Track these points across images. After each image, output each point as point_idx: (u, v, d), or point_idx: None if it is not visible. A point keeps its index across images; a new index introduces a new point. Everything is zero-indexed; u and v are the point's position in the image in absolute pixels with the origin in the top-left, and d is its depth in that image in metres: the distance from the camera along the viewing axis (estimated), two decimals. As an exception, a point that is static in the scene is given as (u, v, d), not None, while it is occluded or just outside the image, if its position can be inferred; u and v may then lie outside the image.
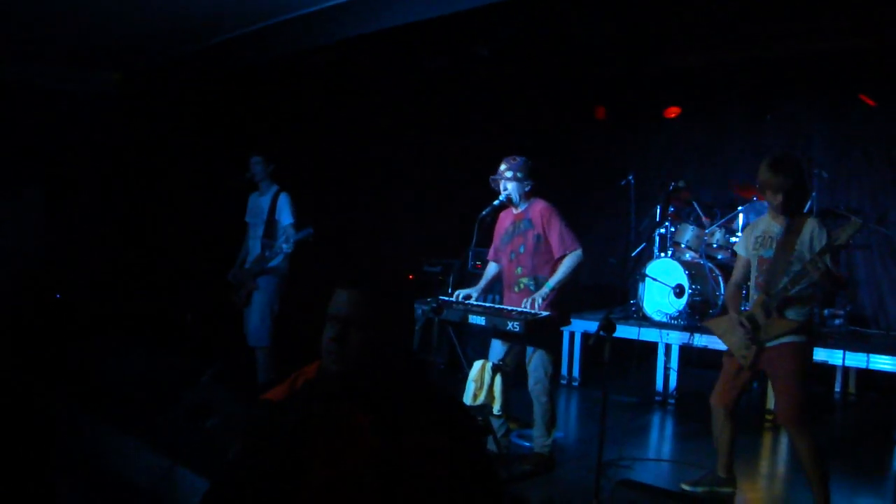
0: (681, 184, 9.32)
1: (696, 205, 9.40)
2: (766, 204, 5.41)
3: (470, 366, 5.98)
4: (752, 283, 5.36)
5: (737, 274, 5.52)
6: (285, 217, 7.52)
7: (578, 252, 5.80)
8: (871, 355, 7.47)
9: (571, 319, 6.45)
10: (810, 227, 5.06)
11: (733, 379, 5.34)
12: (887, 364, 7.40)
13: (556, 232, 5.79)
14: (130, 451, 5.73)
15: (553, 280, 5.73)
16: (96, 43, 8.39)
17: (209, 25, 7.94)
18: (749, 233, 5.47)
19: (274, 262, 7.44)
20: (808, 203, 8.64)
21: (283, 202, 7.56)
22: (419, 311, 5.80)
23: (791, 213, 5.16)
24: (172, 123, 9.51)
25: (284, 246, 7.17)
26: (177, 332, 8.73)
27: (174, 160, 9.60)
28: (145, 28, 7.89)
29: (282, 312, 7.61)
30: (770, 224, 5.28)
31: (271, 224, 7.55)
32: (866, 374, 8.23)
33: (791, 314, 5.05)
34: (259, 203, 7.72)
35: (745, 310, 5.36)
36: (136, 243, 9.55)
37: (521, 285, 5.89)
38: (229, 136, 9.24)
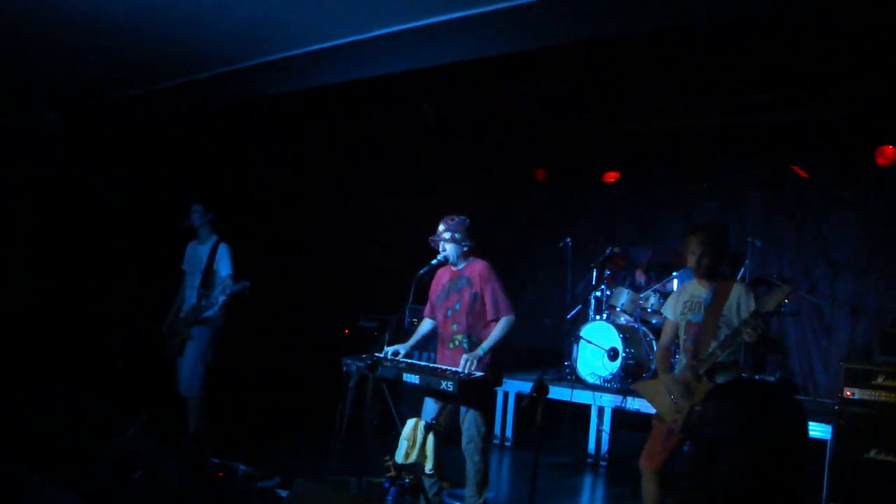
0: (616, 250, 9.43)
1: (632, 270, 9.52)
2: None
3: (403, 423, 5.94)
4: (680, 347, 5.43)
5: (665, 337, 5.61)
6: (224, 268, 7.45)
7: (511, 317, 5.86)
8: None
9: (505, 380, 6.45)
10: (737, 292, 5.18)
11: (663, 441, 5.37)
12: (816, 431, 7.49)
13: (491, 295, 5.84)
14: (55, 502, 5.55)
15: (486, 343, 5.76)
16: (33, 80, 8.29)
17: (152, 72, 7.93)
18: (677, 297, 5.57)
19: (209, 313, 7.35)
20: (742, 270, 8.80)
21: (223, 252, 7.51)
22: (353, 367, 5.77)
23: (715, 278, 5.28)
24: (112, 166, 9.40)
25: (220, 297, 7.11)
26: (107, 378, 8.54)
27: (113, 203, 9.46)
28: (88, 70, 7.85)
29: (214, 363, 7.51)
30: (697, 289, 5.39)
31: (209, 274, 7.49)
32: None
33: (720, 378, 5.12)
34: (197, 252, 7.65)
35: (674, 373, 5.42)
36: (69, 286, 9.35)
37: (456, 342, 5.90)
38: (170, 182, 9.16)
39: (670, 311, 5.57)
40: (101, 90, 8.70)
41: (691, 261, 5.30)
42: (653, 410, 5.58)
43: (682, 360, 5.41)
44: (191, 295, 7.59)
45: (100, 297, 9.22)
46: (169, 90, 8.30)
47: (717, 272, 5.37)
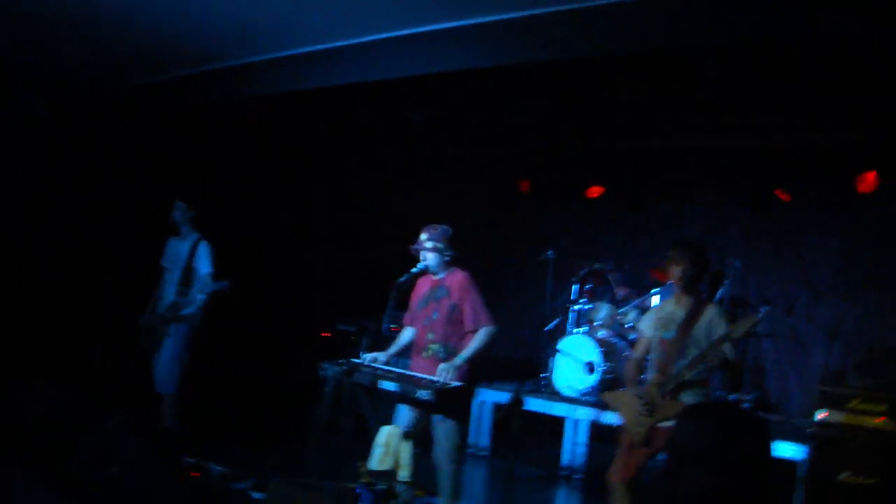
0: (596, 266, 9.49)
1: (612, 284, 9.55)
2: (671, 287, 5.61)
3: (377, 430, 5.95)
4: (651, 362, 5.49)
5: (638, 351, 5.70)
6: (204, 266, 7.44)
7: (490, 328, 5.87)
8: (775, 442, 7.62)
9: (481, 389, 6.48)
10: (709, 314, 5.26)
11: (628, 454, 5.42)
12: (790, 451, 7.56)
13: (470, 305, 5.87)
14: (24, 496, 5.52)
15: (464, 354, 5.78)
16: (21, 63, 8.26)
17: (143, 65, 7.92)
18: (653, 313, 5.65)
19: (187, 311, 7.34)
20: (721, 290, 8.85)
21: (203, 250, 7.50)
22: (330, 372, 5.78)
23: (694, 294, 5.34)
24: (99, 157, 9.36)
25: (199, 296, 7.11)
26: (84, 371, 8.50)
27: (95, 195, 9.42)
28: (81, 58, 7.83)
29: (191, 360, 7.50)
30: (674, 307, 5.46)
31: (189, 271, 7.48)
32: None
33: (685, 397, 5.19)
34: (178, 248, 7.63)
35: (641, 387, 5.47)
36: (48, 276, 9.29)
37: (431, 351, 5.93)
38: (154, 177, 9.13)
39: (645, 326, 5.64)
40: (90, 79, 8.67)
41: (674, 273, 5.37)
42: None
43: (650, 375, 5.47)
44: (169, 292, 7.57)
45: (79, 289, 9.18)
46: (159, 84, 8.31)
47: (696, 288, 5.45)
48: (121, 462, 5.51)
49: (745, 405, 8.93)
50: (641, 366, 5.75)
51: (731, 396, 8.82)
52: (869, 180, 9.06)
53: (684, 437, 2.53)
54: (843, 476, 6.92)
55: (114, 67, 8.13)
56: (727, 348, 4.99)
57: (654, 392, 5.22)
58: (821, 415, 8.05)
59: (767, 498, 2.54)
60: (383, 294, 6.18)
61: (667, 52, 6.07)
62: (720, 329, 5.14)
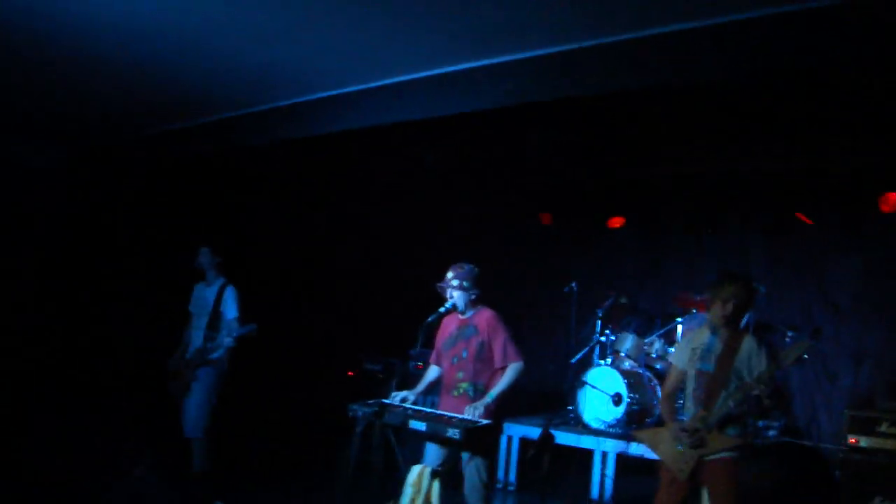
0: (623, 300, 9.50)
1: (637, 315, 9.56)
2: (704, 316, 5.56)
3: (407, 468, 5.95)
4: (688, 394, 5.44)
5: (670, 384, 5.63)
6: (230, 310, 7.49)
7: (520, 364, 5.88)
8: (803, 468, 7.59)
9: (508, 424, 6.47)
10: (748, 344, 5.20)
11: (668, 490, 5.37)
12: (821, 478, 7.51)
13: (500, 343, 5.87)
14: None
15: (495, 391, 5.78)
16: (46, 113, 8.36)
17: (163, 113, 8.02)
18: (686, 344, 5.59)
19: (215, 355, 7.38)
20: (746, 317, 8.82)
21: (230, 295, 7.55)
22: (360, 413, 5.80)
23: (731, 327, 5.31)
24: (123, 204, 9.45)
25: (227, 339, 7.14)
26: (114, 418, 8.53)
27: (120, 242, 9.50)
28: (100, 107, 7.94)
29: (220, 404, 7.53)
30: (707, 337, 5.40)
31: (216, 316, 7.52)
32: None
33: (730, 430, 5.14)
34: (204, 294, 7.68)
35: (682, 419, 5.44)
36: (76, 323, 9.36)
37: (461, 390, 5.92)
38: (178, 223, 9.20)
39: (678, 358, 5.60)
40: (110, 127, 8.77)
41: (719, 308, 5.31)
42: (656, 456, 5.61)
43: (689, 407, 5.41)
44: (197, 336, 7.61)
45: (108, 337, 9.24)
46: (181, 131, 8.40)
47: (738, 322, 5.43)
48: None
49: (772, 432, 8.88)
50: (675, 397, 5.72)
51: (760, 423, 8.77)
52: (891, 201, 9.05)
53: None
54: (876, 501, 6.88)
55: (134, 116, 8.24)
56: (772, 381, 4.96)
57: (699, 426, 5.18)
58: (851, 440, 8.02)
59: None
60: (408, 333, 6.20)
61: (683, 83, 6.09)
62: (761, 359, 5.10)
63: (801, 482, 7.69)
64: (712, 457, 5.15)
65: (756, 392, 4.93)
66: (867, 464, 7.09)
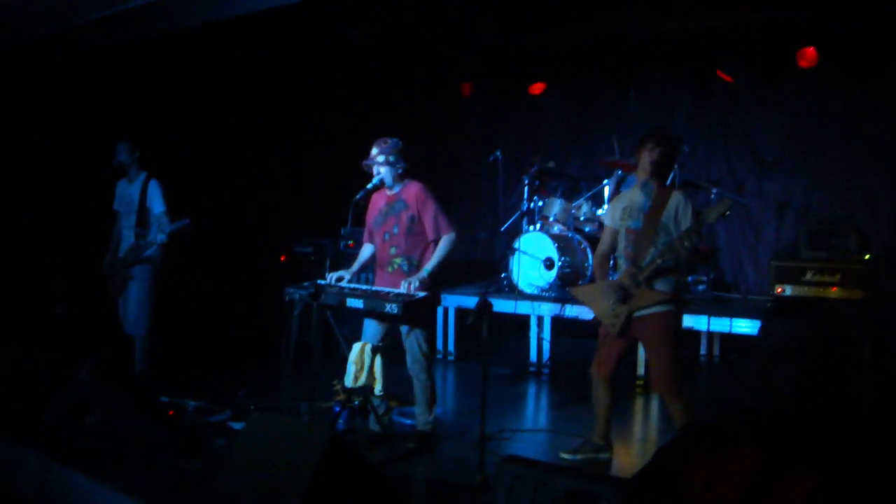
0: (549, 165, 9.52)
1: (564, 180, 9.61)
2: (633, 178, 5.60)
3: (348, 347, 5.99)
4: (619, 253, 5.52)
5: (603, 244, 5.70)
6: (157, 205, 7.31)
7: (452, 235, 5.89)
8: (733, 319, 7.82)
9: (444, 295, 6.51)
10: (675, 200, 5.25)
11: (605, 344, 5.50)
12: (746, 327, 7.75)
13: (431, 215, 5.84)
14: (8, 456, 5.49)
15: (429, 265, 5.80)
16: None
17: (74, 3, 7.63)
18: (616, 203, 5.65)
19: (149, 252, 7.25)
20: (671, 174, 8.92)
21: (154, 189, 7.35)
22: (296, 296, 5.78)
23: (657, 184, 5.35)
24: (38, 105, 9.06)
25: (160, 236, 6.96)
26: (49, 326, 8.40)
27: (39, 145, 9.14)
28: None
29: (157, 301, 7.45)
30: (636, 195, 5.45)
31: (143, 212, 7.33)
32: (728, 337, 8.58)
33: (659, 285, 5.24)
34: (128, 191, 7.47)
35: (613, 278, 5.54)
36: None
37: (395, 265, 5.92)
38: (97, 119, 8.87)
39: (609, 217, 5.66)
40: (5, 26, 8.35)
41: (646, 155, 5.34)
42: (591, 316, 5.72)
43: (620, 265, 5.50)
44: (127, 235, 7.44)
45: (34, 245, 8.98)
46: (93, 22, 8.01)
47: (666, 175, 5.48)
48: (97, 410, 5.52)
49: (701, 287, 9.12)
50: (609, 257, 5.80)
51: (690, 278, 8.98)
52: (809, 55, 9.13)
53: (777, 333, 2.68)
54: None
55: (44, 10, 7.81)
56: (695, 238, 5.02)
57: (629, 282, 5.27)
58: (777, 289, 8.29)
59: (852, 385, 2.71)
60: (337, 213, 6.13)
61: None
62: (688, 215, 5.17)
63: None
64: (643, 312, 5.27)
65: (684, 253, 5.02)
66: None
